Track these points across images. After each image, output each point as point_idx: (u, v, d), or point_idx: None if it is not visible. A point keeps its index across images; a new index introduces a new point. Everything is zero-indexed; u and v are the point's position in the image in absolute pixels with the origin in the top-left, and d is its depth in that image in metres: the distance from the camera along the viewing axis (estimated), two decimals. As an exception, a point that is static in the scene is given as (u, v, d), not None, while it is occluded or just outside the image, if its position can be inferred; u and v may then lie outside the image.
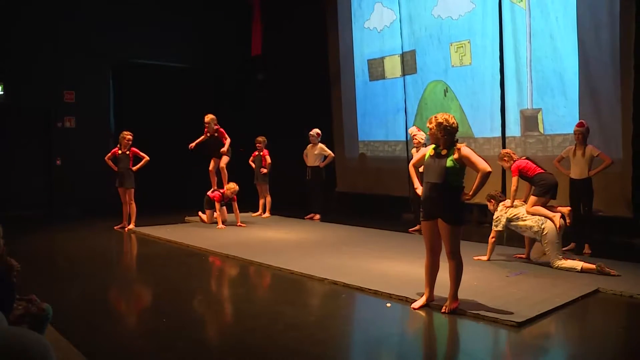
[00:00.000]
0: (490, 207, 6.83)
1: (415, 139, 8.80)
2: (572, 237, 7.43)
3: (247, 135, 11.69)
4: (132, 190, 9.51)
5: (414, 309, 4.85)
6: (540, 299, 5.00)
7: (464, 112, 10.01)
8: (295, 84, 13.04)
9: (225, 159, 10.00)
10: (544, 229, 6.27)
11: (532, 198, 6.55)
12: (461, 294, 4.82)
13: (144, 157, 9.46)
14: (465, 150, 4.66)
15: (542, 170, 6.77)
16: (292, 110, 12.89)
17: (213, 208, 9.81)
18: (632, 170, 7.99)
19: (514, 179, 6.75)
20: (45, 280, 6.18)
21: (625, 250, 7.53)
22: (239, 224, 9.63)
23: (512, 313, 4.57)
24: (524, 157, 7.08)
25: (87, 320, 4.71)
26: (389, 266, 6.45)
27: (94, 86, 12.54)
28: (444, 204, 4.64)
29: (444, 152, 4.68)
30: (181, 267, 6.86)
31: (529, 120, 9.20)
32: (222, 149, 9.92)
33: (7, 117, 11.66)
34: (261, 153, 10.85)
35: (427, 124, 4.77)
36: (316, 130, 10.80)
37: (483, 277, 5.84)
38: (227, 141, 9.99)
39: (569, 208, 6.70)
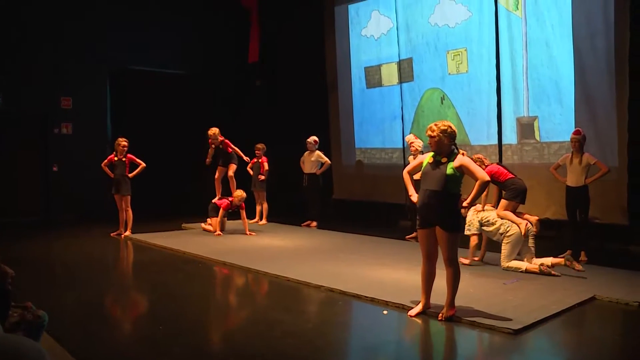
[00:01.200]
0: (462, 211, 6.86)
1: (413, 146, 8.81)
2: (568, 244, 7.44)
3: (243, 142, 11.70)
4: (128, 197, 9.48)
5: (411, 316, 4.85)
6: (537, 306, 5.00)
7: (460, 119, 10.03)
8: (293, 91, 13.05)
9: (233, 167, 10.05)
10: (508, 230, 6.56)
11: (503, 202, 6.85)
12: (458, 301, 4.82)
13: (140, 164, 9.44)
14: (465, 158, 4.70)
15: (513, 176, 7.07)
16: (289, 117, 12.91)
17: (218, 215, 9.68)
18: (627, 178, 8.02)
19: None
20: (41, 286, 6.16)
21: (621, 257, 7.54)
22: (248, 232, 9.41)
23: (508, 320, 4.57)
24: (495, 163, 7.46)
25: (83, 326, 4.69)
26: (385, 273, 6.44)
27: (91, 92, 12.52)
28: (443, 211, 4.65)
29: (443, 159, 4.70)
30: (177, 273, 6.84)
31: (525, 128, 9.23)
32: (230, 163, 10.04)
33: (4, 123, 11.64)
34: (260, 160, 10.85)
35: (428, 132, 4.76)
36: (313, 138, 10.80)
37: (479, 285, 5.84)
38: (237, 150, 10.11)
39: (537, 217, 6.95)
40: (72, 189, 12.01)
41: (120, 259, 8.41)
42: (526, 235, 6.54)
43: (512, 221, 6.60)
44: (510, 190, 6.87)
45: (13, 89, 11.60)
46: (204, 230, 9.91)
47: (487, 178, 4.65)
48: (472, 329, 4.52)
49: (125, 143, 9.45)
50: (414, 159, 8.62)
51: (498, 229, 6.63)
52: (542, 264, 6.31)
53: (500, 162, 8.23)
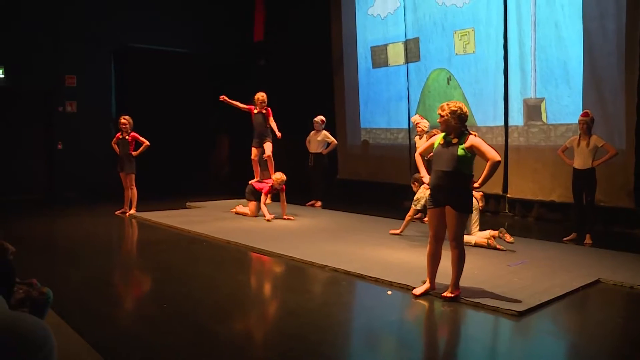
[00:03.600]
0: (414, 188, 7.44)
1: (419, 127, 8.76)
2: (574, 227, 7.41)
3: (247, 121, 11.65)
4: (133, 175, 9.48)
5: (415, 295, 4.85)
6: (542, 289, 4.99)
7: (466, 100, 9.94)
8: (298, 71, 12.96)
9: (269, 146, 9.41)
10: None
11: None
12: (462, 283, 4.82)
13: (143, 142, 9.41)
14: (476, 139, 4.67)
15: None
16: (294, 96, 12.82)
17: (257, 200, 9.15)
18: (634, 161, 7.95)
19: None
20: (46, 264, 6.18)
21: (627, 241, 7.51)
22: (285, 216, 8.92)
23: (513, 302, 4.56)
24: None
25: (87, 304, 4.71)
26: (390, 254, 6.44)
27: (95, 70, 12.48)
28: (454, 192, 4.65)
29: (454, 140, 4.68)
30: (182, 252, 6.85)
31: (532, 110, 9.15)
32: (266, 141, 9.35)
33: (8, 101, 11.62)
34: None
35: (439, 111, 4.76)
36: (320, 117, 10.75)
37: (484, 266, 5.83)
38: (273, 125, 9.41)
39: (481, 193, 7.12)
40: (77, 167, 12.04)
41: (124, 238, 8.43)
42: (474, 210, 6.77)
43: None
44: None
45: (17, 66, 11.56)
46: (238, 214, 9.41)
47: (498, 158, 4.61)
48: (476, 311, 4.52)
49: (125, 121, 9.42)
50: (420, 139, 8.59)
51: None
52: (490, 237, 6.63)
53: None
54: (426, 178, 5.00)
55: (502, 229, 6.71)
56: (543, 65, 8.94)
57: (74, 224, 8.93)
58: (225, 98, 9.48)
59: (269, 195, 9.29)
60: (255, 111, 9.44)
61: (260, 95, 9.40)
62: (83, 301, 4.78)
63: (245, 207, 9.45)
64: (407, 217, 7.41)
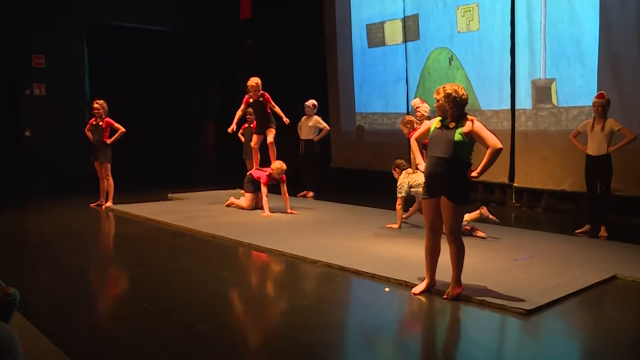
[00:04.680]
0: (395, 175, 7.66)
1: (419, 111, 8.68)
2: (587, 219, 7.40)
3: (235, 106, 11.59)
4: (108, 164, 9.41)
5: (415, 294, 4.84)
6: (552, 285, 4.98)
7: (470, 82, 9.92)
8: (288, 51, 12.89)
9: (272, 132, 9.18)
10: None
11: None
12: (465, 279, 4.80)
13: (119, 129, 9.34)
14: (477, 124, 4.62)
15: None
16: (284, 79, 12.76)
17: (256, 191, 9.00)
18: (653, 146, 7.94)
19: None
20: (14, 262, 6.15)
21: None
22: (289, 210, 8.76)
23: (520, 300, 4.55)
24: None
25: (59, 305, 4.68)
26: (387, 248, 6.43)
27: (66, 50, 12.33)
28: (449, 180, 4.61)
29: (452, 124, 4.65)
30: (163, 247, 6.82)
31: (542, 92, 9.12)
32: (269, 127, 9.14)
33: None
34: (252, 125, 10.73)
35: (435, 95, 4.73)
36: (312, 101, 10.70)
37: (488, 261, 5.83)
38: (277, 109, 9.19)
39: None
40: (48, 156, 11.92)
41: (100, 232, 8.39)
42: None
43: None
44: None
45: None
46: (233, 206, 9.29)
47: (500, 145, 4.57)
48: (480, 309, 4.51)
49: (98, 106, 9.34)
50: (420, 125, 8.56)
51: None
52: (482, 208, 6.93)
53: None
54: (422, 165, 4.97)
55: (483, 208, 6.90)
56: (554, 42, 8.89)
57: (45, 218, 8.87)
58: (233, 128, 9.42)
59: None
60: (251, 100, 9.20)
61: (254, 82, 9.07)
62: (54, 302, 4.75)
63: (238, 198, 9.38)
64: (398, 207, 7.47)
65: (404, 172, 7.53)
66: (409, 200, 7.66)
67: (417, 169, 5.11)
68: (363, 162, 11.89)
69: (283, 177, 8.79)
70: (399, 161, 7.74)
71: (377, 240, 6.86)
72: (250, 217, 8.47)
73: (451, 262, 4.74)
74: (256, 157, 9.47)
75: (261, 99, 9.09)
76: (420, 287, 4.89)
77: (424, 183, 4.85)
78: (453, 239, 4.70)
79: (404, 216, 7.66)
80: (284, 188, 8.82)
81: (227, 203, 9.41)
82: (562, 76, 8.86)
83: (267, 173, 8.85)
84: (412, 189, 7.34)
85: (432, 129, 4.80)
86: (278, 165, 8.77)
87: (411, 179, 7.36)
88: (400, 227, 7.47)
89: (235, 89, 13.68)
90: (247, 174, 9.31)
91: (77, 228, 8.22)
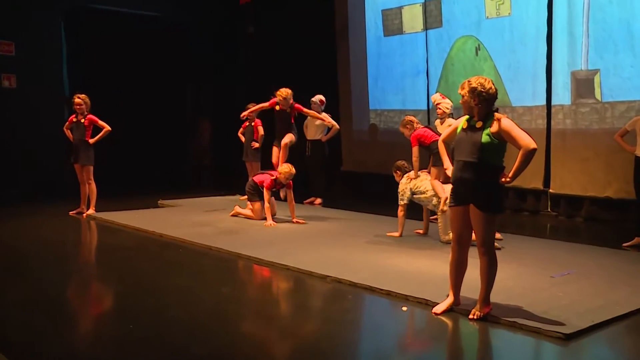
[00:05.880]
0: (397, 178, 7.76)
1: (440, 108, 8.71)
2: (636, 230, 7.34)
3: (234, 102, 11.64)
4: (91, 167, 9.44)
5: (436, 314, 4.83)
6: (595, 306, 4.95)
7: (499, 74, 9.92)
8: (293, 40, 12.92)
9: (290, 136, 9.22)
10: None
11: (433, 170, 7.50)
12: (494, 297, 4.79)
13: (103, 127, 9.38)
14: (505, 122, 4.59)
15: (438, 138, 7.07)
16: (288, 71, 12.79)
17: (262, 199, 8.85)
18: None
19: (415, 149, 7.66)
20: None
21: None
22: (295, 219, 8.73)
23: (558, 323, 4.52)
24: (424, 126, 8.10)
25: (31, 327, 4.68)
26: (405, 261, 6.42)
27: (40, 36, 12.36)
28: (478, 187, 4.61)
29: (478, 124, 4.65)
30: (152, 261, 6.85)
31: (583, 85, 9.09)
32: (289, 132, 9.21)
33: None
34: (253, 124, 10.77)
35: (459, 90, 4.74)
36: (319, 97, 10.71)
37: (520, 277, 5.82)
38: (312, 114, 9.57)
39: (446, 196, 7.15)
40: (20, 158, 11.95)
41: (81, 244, 8.44)
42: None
43: (436, 192, 7.23)
44: (435, 155, 7.12)
45: None
46: (241, 216, 9.17)
47: (534, 145, 4.54)
48: (511, 332, 4.49)
49: (80, 101, 9.37)
50: (441, 124, 8.56)
51: (430, 198, 7.30)
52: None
53: (428, 125, 9.03)
54: (450, 170, 4.98)
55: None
56: (599, 27, 8.82)
57: (16, 228, 8.88)
58: (248, 112, 9.58)
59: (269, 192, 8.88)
60: (277, 107, 9.24)
61: (285, 93, 9.10)
62: (26, 325, 4.75)
63: (243, 208, 9.33)
64: (400, 214, 7.59)
65: (405, 176, 7.60)
66: (416, 206, 7.66)
67: (446, 174, 5.14)
68: (377, 165, 11.87)
69: (290, 182, 8.74)
70: (400, 163, 7.81)
71: (394, 252, 6.85)
72: (251, 227, 8.48)
73: (480, 277, 4.73)
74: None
75: (288, 110, 9.19)
76: (443, 306, 4.88)
77: (451, 189, 4.85)
78: (484, 252, 4.69)
79: (420, 232, 7.81)
80: (290, 194, 8.78)
81: (231, 213, 9.33)
82: (607, 66, 8.81)
83: (273, 177, 8.79)
84: (414, 196, 7.44)
85: (458, 130, 4.82)
86: (287, 169, 8.64)
87: (413, 184, 7.45)
88: (401, 236, 7.59)
89: (233, 81, 13.72)
90: (249, 180, 9.27)
91: (54, 239, 8.22)
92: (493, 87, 4.67)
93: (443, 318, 4.79)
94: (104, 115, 9.53)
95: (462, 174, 4.69)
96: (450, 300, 4.88)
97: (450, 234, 6.60)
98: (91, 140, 9.39)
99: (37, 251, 7.40)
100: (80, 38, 13.10)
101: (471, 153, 4.63)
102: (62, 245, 8.06)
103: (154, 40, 13.59)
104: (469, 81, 4.71)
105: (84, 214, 9.51)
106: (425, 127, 8.18)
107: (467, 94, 4.66)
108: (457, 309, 4.85)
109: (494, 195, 4.66)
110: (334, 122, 10.73)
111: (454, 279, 4.87)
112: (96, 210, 9.52)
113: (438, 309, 4.88)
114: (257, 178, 9.06)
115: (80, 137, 9.38)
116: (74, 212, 9.66)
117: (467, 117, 4.78)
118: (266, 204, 8.75)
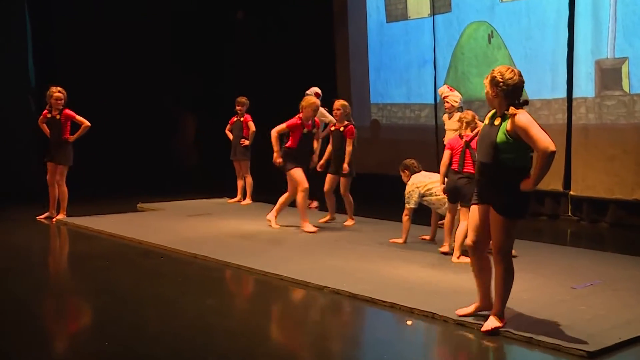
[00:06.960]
0: (404, 178, 7.73)
1: (447, 101, 8.74)
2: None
3: (221, 96, 11.65)
4: (66, 168, 9.41)
5: (459, 315, 4.88)
6: (621, 321, 4.95)
7: (514, 64, 9.91)
8: (287, 26, 12.94)
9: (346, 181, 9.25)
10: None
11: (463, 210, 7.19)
12: (508, 310, 4.81)
13: (83, 123, 9.37)
14: (521, 118, 4.51)
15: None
16: (281, 61, 12.82)
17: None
18: None
19: (446, 153, 7.11)
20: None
21: None
22: (305, 228, 8.53)
23: (580, 340, 4.52)
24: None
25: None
26: (410, 271, 6.44)
27: (1, 21, 12.28)
28: (496, 189, 4.63)
29: (497, 120, 4.66)
30: (131, 270, 6.86)
31: (609, 75, 9.10)
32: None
33: None
34: (242, 119, 10.78)
35: (484, 81, 4.75)
36: (315, 90, 10.72)
37: (538, 288, 5.83)
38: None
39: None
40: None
41: (50, 252, 8.43)
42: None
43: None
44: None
45: None
46: (276, 214, 8.85)
47: (552, 148, 4.45)
48: (527, 349, 4.50)
49: (61, 95, 9.34)
50: (449, 118, 8.58)
51: (441, 201, 7.20)
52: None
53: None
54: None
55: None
56: (628, 10, 8.80)
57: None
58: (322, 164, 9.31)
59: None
60: (304, 130, 8.73)
61: (341, 105, 9.06)
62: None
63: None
64: (404, 219, 7.56)
65: (413, 176, 7.54)
66: (425, 209, 7.67)
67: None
68: (379, 165, 11.89)
69: (316, 120, 8.63)
70: (408, 161, 7.75)
71: (397, 261, 6.87)
72: (240, 233, 8.48)
73: (495, 288, 4.76)
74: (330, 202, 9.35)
75: (314, 131, 8.89)
76: (467, 309, 4.93)
77: (476, 188, 4.88)
78: (500, 260, 4.71)
79: (427, 238, 7.78)
80: (300, 196, 8.48)
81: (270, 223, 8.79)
82: (637, 55, 8.82)
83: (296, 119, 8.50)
84: (424, 198, 7.40)
85: (482, 127, 4.87)
86: (311, 99, 8.64)
87: (422, 185, 7.39)
88: (405, 242, 7.60)
89: (221, 71, 13.72)
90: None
91: (20, 247, 8.22)
92: (515, 77, 4.63)
93: (453, 332, 4.80)
94: (76, 109, 9.47)
95: (479, 177, 4.74)
96: (476, 304, 4.93)
97: (455, 239, 6.66)
98: (71, 138, 9.36)
99: (1, 260, 7.39)
100: (48, 21, 13.02)
101: (486, 153, 4.64)
102: (29, 254, 8.05)
103: (133, 25, 13.54)
104: (492, 71, 4.73)
105: (54, 219, 9.50)
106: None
107: (487, 85, 4.68)
108: (468, 322, 4.86)
109: (514, 199, 4.63)
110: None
111: (478, 282, 4.94)
112: (67, 215, 9.50)
113: (461, 311, 4.93)
114: (279, 127, 8.58)
115: (57, 135, 9.33)
116: (42, 216, 9.64)
117: (493, 111, 4.78)
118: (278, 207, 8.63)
